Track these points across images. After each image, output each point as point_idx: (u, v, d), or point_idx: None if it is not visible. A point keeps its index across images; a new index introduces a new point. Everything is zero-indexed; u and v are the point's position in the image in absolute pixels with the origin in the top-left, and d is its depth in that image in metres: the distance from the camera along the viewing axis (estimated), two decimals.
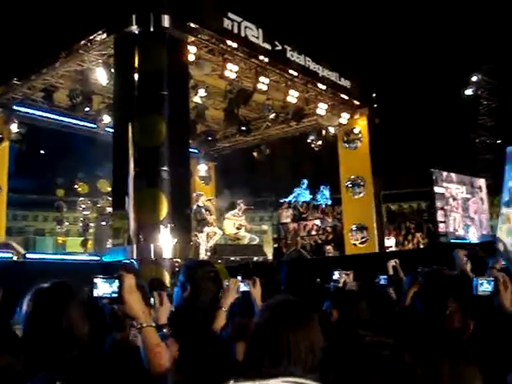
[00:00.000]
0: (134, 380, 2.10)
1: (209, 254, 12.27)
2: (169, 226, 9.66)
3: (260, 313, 1.89)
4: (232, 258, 11.42)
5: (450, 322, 2.57)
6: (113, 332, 2.41)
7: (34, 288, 2.31)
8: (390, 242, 17.53)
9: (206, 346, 2.55)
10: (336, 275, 5.05)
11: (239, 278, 3.50)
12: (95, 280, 2.20)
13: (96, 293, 2.19)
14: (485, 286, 2.77)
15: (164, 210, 9.67)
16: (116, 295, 2.15)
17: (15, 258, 9.35)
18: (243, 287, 3.36)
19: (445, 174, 16.48)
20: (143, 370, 2.06)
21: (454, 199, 16.42)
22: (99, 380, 1.94)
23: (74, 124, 15.30)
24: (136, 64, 10.20)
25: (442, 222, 15.98)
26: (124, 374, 2.04)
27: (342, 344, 1.23)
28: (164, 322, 2.70)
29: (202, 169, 18.24)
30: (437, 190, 16.10)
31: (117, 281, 2.15)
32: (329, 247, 17.63)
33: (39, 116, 14.64)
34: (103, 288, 2.18)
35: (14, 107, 14.18)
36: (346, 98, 15.12)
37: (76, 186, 21.70)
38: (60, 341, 2.10)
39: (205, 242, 12.72)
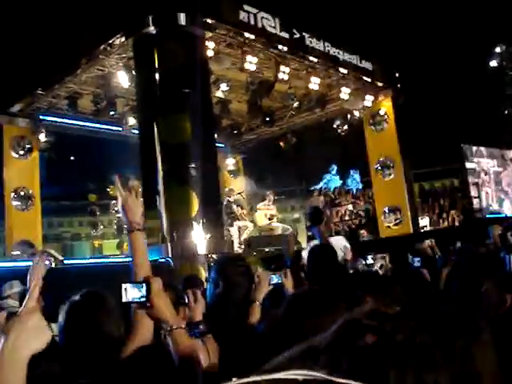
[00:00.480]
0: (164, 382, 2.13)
1: (242, 247, 12.31)
2: (201, 221, 9.73)
3: (283, 304, 1.89)
4: (266, 250, 11.43)
5: (486, 301, 2.55)
6: None
7: (68, 301, 2.37)
8: (425, 222, 17.35)
9: (242, 341, 2.57)
10: (369, 259, 5.03)
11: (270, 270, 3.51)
12: (123, 285, 2.22)
13: (125, 298, 2.22)
14: None
15: (195, 206, 9.75)
16: (144, 299, 2.17)
17: (53, 265, 9.49)
18: (275, 279, 3.36)
19: (474, 148, 16.24)
20: (173, 371, 2.08)
21: (486, 173, 16.17)
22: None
23: (101, 128, 15.48)
24: (156, 64, 10.27)
25: (475, 197, 15.76)
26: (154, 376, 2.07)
27: (355, 328, 1.23)
28: (199, 319, 2.72)
29: (230, 162, 18.29)
30: (468, 165, 15.88)
31: (145, 285, 2.17)
32: (363, 231, 17.55)
33: (66, 123, 14.84)
34: (132, 293, 2.20)
35: (41, 117, 14.40)
36: (369, 80, 14.97)
37: (107, 189, 21.96)
38: (94, 349, 2.15)
39: (237, 235, 12.78)
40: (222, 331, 2.70)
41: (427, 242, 6.27)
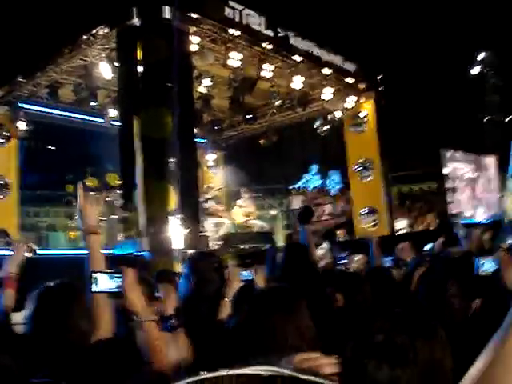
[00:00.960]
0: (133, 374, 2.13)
1: (219, 243, 12.30)
2: (178, 217, 9.71)
3: (247, 302, 1.91)
4: (242, 247, 11.43)
5: (450, 305, 2.58)
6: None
7: (39, 288, 2.35)
8: (401, 225, 17.46)
9: (212, 337, 2.58)
10: (344, 259, 5.07)
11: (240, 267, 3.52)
12: (94, 275, 2.21)
13: (95, 288, 2.20)
14: (486, 266, 2.78)
15: (173, 201, 9.73)
16: (116, 290, 2.16)
17: (27, 255, 9.40)
18: (246, 276, 3.38)
19: (450, 153, 16.33)
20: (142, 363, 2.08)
21: (461, 179, 16.30)
22: (99, 378, 1.97)
23: (81, 119, 15.34)
24: (139, 56, 10.22)
25: (451, 202, 15.88)
26: (122, 369, 2.07)
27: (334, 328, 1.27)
28: (171, 313, 2.73)
29: (210, 158, 18.26)
30: (445, 170, 16.01)
31: (117, 275, 2.16)
32: (340, 232, 17.61)
33: (46, 112, 14.68)
34: (104, 283, 2.19)
35: (20, 105, 14.23)
36: (351, 81, 15.05)
37: (85, 181, 21.79)
38: (63, 340, 2.14)
39: (214, 232, 12.77)
40: (193, 326, 2.71)
41: (401, 245, 6.32)
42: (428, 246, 6.68)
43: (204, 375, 0.70)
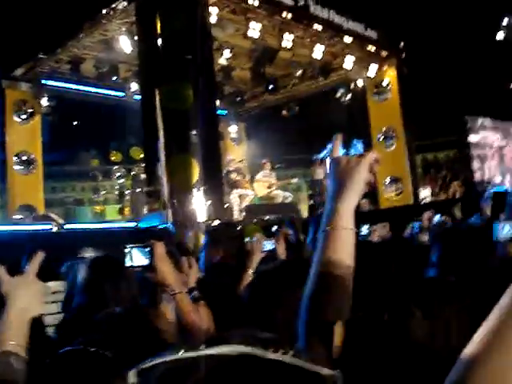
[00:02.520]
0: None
1: (243, 214, 12.34)
2: (202, 189, 9.76)
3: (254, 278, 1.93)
4: (266, 218, 11.45)
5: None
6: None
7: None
8: (426, 193, 17.34)
9: (231, 309, 2.61)
10: (364, 230, 5.03)
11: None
12: (127, 249, 2.25)
13: (129, 262, 2.25)
14: (506, 230, 2.74)
15: (196, 173, 9.76)
16: (148, 263, 2.20)
17: (55, 229, 9.56)
18: (268, 246, 3.38)
19: (480, 120, 16.10)
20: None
21: (490, 147, 16.08)
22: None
23: (103, 94, 15.42)
24: (158, 29, 10.18)
25: (478, 170, 15.70)
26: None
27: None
28: (193, 285, 2.75)
29: (232, 130, 18.23)
30: (472, 137, 15.78)
31: (148, 249, 2.20)
32: (363, 201, 17.54)
33: (68, 88, 14.78)
34: (136, 257, 2.23)
35: (43, 81, 14.33)
36: (374, 49, 14.85)
37: (110, 155, 21.96)
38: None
39: (238, 203, 12.81)
40: (214, 298, 2.73)
41: (427, 214, 6.28)
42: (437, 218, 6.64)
43: (182, 354, 0.70)
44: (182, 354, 0.69)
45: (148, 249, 2.22)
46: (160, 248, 2.21)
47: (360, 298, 1.45)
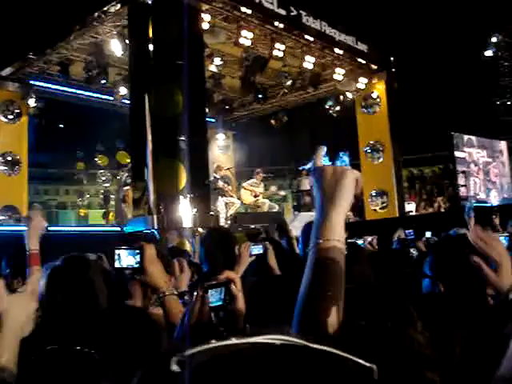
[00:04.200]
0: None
1: (229, 222, 12.31)
2: (188, 195, 9.71)
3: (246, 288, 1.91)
4: (252, 226, 11.43)
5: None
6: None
7: (47, 268, 2.36)
8: (411, 207, 17.43)
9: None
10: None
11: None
12: (117, 251, 2.22)
13: (118, 264, 2.22)
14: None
15: (183, 179, 9.72)
16: (138, 266, 2.17)
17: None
18: (255, 250, 3.38)
19: (466, 137, 16.26)
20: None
21: (475, 164, 16.23)
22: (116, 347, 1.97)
23: (92, 97, 15.32)
24: (150, 34, 10.15)
25: (463, 185, 15.83)
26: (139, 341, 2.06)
27: None
28: (184, 289, 2.72)
29: (220, 138, 18.22)
30: (457, 154, 15.92)
31: (138, 251, 2.17)
32: (349, 213, 17.58)
33: (56, 90, 14.68)
34: (125, 259, 2.21)
35: (31, 82, 14.22)
36: (364, 62, 14.94)
37: (96, 159, 21.83)
38: (80, 312, 2.14)
39: (224, 211, 12.77)
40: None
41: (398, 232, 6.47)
42: (428, 234, 6.73)
43: (215, 343, 0.69)
44: (225, 341, 0.68)
45: (137, 251, 2.19)
46: (150, 249, 2.19)
47: (361, 307, 1.43)
